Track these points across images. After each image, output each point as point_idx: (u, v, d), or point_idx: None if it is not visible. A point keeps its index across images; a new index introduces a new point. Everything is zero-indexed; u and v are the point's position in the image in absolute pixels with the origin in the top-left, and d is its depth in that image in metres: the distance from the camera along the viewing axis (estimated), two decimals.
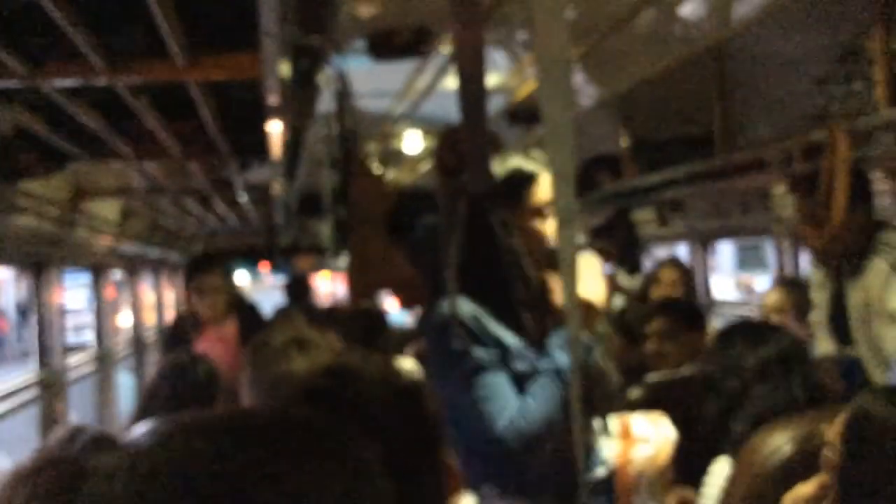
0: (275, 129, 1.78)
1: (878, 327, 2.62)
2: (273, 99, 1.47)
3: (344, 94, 2.20)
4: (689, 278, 4.21)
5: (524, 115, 4.24)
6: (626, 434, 2.07)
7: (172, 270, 7.00)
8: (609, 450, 1.98)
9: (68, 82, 1.62)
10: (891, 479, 1.40)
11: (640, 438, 2.06)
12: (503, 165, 1.96)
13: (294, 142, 2.19)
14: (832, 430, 1.49)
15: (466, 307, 1.84)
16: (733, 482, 1.94)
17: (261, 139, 2.04)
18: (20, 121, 1.85)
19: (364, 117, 4.88)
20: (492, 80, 3.89)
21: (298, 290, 6.41)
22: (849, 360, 2.80)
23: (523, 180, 1.94)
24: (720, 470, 2.00)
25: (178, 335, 3.73)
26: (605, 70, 3.81)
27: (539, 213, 1.93)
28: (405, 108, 4.85)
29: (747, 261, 7.46)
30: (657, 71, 3.62)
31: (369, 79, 4.58)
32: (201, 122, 1.89)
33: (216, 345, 3.59)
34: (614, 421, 2.04)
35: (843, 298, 2.77)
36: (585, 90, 4.41)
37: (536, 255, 1.90)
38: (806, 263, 4.10)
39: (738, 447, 1.92)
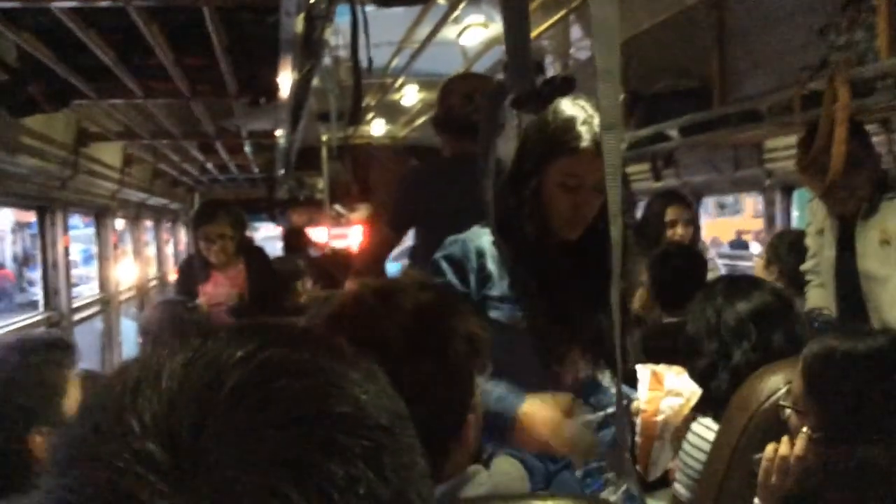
0: (286, 65, 1.80)
1: (893, 265, 2.67)
2: (288, 29, 1.48)
3: (356, 43, 2.19)
4: (694, 216, 4.12)
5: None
6: (657, 384, 2.10)
7: (174, 218, 7.04)
8: (634, 397, 2.02)
9: (75, 2, 1.58)
10: (860, 409, 1.42)
11: (671, 391, 2.09)
12: (556, 113, 1.81)
13: (301, 86, 2.21)
14: (796, 377, 1.53)
15: (477, 243, 1.86)
16: (725, 430, 1.98)
17: (270, 80, 2.05)
18: (26, 47, 1.83)
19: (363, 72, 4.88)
20: (496, 29, 3.89)
21: (295, 240, 6.53)
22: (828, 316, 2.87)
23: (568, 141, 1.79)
24: (701, 430, 2.04)
25: (186, 279, 3.83)
26: None
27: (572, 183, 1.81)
28: (402, 60, 4.85)
29: (726, 207, 7.58)
30: (655, 22, 3.63)
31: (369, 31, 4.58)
32: (212, 57, 1.91)
33: (221, 287, 3.67)
34: (644, 369, 2.07)
35: (850, 245, 2.82)
36: (582, 43, 4.42)
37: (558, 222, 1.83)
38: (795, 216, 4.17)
39: (719, 406, 1.96)
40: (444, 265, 1.87)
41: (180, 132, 3.42)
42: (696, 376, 2.05)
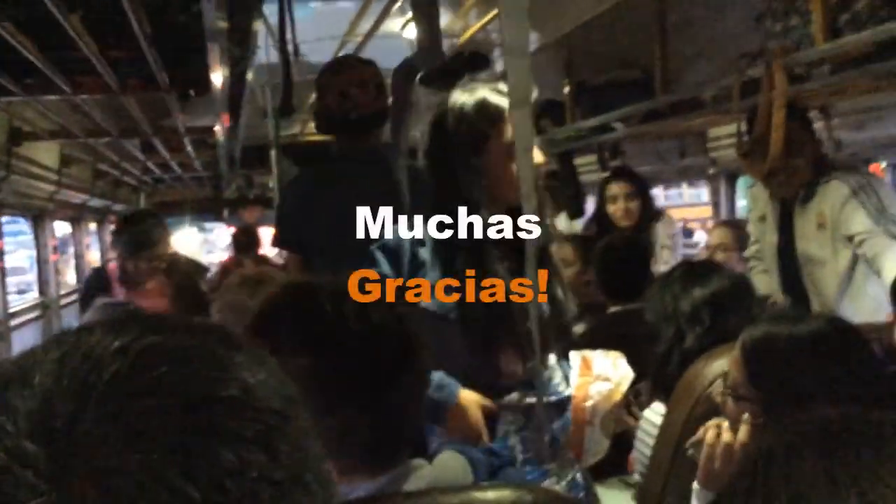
0: (214, 55, 1.76)
1: (830, 247, 2.73)
2: (211, 16, 1.45)
3: (283, 35, 2.15)
4: (640, 190, 4.05)
5: (463, 59, 4.24)
6: (586, 369, 2.12)
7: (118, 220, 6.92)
8: (565, 381, 2.02)
9: None
10: (802, 394, 1.41)
11: (600, 376, 2.11)
12: (471, 97, 1.84)
13: (236, 80, 2.17)
14: (732, 365, 1.54)
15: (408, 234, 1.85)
16: (671, 415, 2.00)
17: (199, 72, 2.01)
18: None
19: (308, 67, 4.84)
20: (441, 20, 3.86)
21: (245, 240, 6.44)
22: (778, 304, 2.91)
23: (492, 115, 1.82)
24: (652, 416, 2.06)
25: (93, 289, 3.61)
26: (546, 13, 3.82)
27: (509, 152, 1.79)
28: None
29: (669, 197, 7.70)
30: (597, 13, 3.65)
31: (313, 28, 4.53)
32: (139, 49, 1.86)
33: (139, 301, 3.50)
34: (575, 355, 2.08)
35: (790, 229, 2.86)
36: (531, 37, 4.42)
37: (502, 198, 1.82)
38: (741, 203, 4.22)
39: (670, 389, 1.97)
40: (379, 255, 1.86)
41: (117, 130, 3.35)
42: (654, 362, 2.06)
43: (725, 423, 1.51)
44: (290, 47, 2.23)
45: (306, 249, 2.66)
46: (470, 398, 1.77)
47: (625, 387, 2.09)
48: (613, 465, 2.33)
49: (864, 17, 2.46)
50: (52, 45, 1.87)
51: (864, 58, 2.44)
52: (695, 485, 1.51)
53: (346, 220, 2.03)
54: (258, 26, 1.88)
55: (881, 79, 2.63)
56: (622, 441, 2.25)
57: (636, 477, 2.13)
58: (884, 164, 3.94)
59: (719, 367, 1.77)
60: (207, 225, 9.03)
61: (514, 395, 1.89)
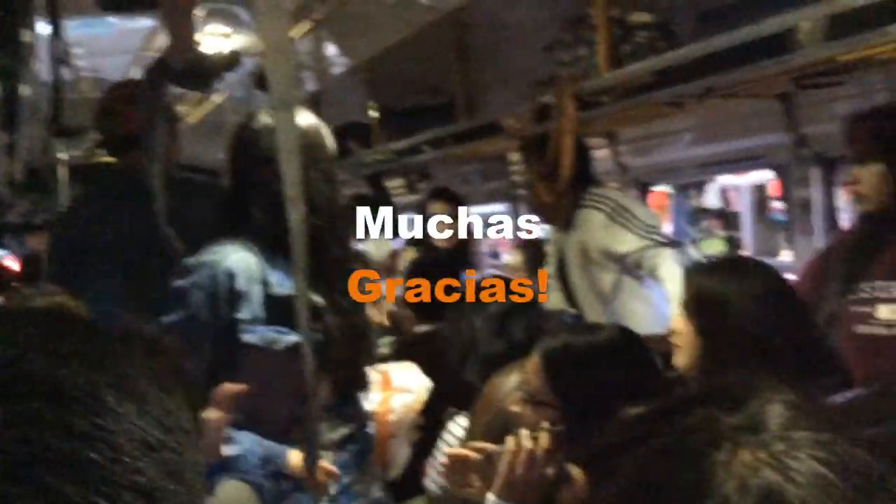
0: None
1: (594, 271, 2.87)
2: None
3: (55, 49, 2.01)
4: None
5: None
6: (386, 384, 2.12)
7: None
8: (368, 401, 2.00)
9: None
10: (602, 398, 1.50)
11: (400, 388, 2.12)
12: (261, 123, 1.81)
13: (9, 91, 2.00)
14: (530, 374, 1.60)
15: (225, 264, 1.75)
16: (471, 429, 2.03)
17: None
18: None
19: (104, 84, 4.58)
20: (238, 41, 3.78)
21: (31, 270, 5.96)
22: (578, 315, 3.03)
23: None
24: (455, 428, 2.09)
25: None
26: (351, 37, 3.83)
27: None
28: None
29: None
30: (400, 38, 3.69)
31: (110, 43, 4.31)
32: None
33: None
34: (373, 371, 2.07)
35: (564, 253, 3.01)
36: (338, 59, 4.41)
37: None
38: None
39: (470, 399, 2.01)
40: (195, 293, 1.74)
41: None
42: (450, 375, 2.13)
43: (525, 433, 1.53)
44: (60, 60, 2.08)
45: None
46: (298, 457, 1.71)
47: (424, 396, 2.13)
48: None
49: (645, 48, 2.63)
50: None
51: (646, 86, 2.60)
52: (489, 496, 1.52)
53: (130, 249, 1.90)
54: (29, 36, 1.74)
55: (662, 106, 2.81)
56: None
57: (427, 482, 2.15)
58: (668, 188, 4.21)
59: (515, 379, 1.82)
60: None
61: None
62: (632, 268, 2.80)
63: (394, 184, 5.21)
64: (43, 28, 2.46)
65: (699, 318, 1.66)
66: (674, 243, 2.75)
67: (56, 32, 1.96)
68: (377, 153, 4.41)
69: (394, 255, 4.65)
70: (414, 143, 4.00)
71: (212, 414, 1.42)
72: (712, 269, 1.87)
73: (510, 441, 1.52)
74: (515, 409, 1.67)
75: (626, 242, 2.77)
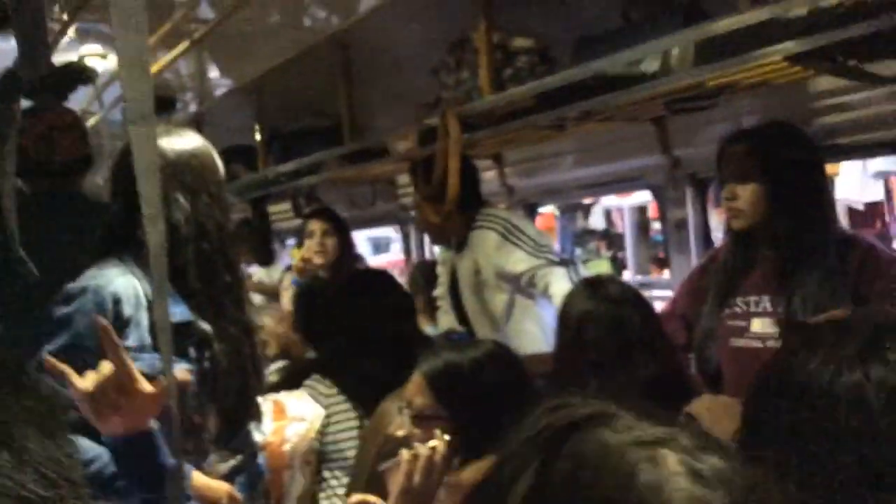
0: None
1: (487, 292, 2.89)
2: None
3: None
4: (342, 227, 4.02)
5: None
6: (279, 413, 2.08)
7: None
8: (261, 431, 1.95)
9: None
10: (483, 403, 1.60)
11: (294, 417, 2.09)
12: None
13: None
14: (413, 395, 1.65)
15: (111, 288, 1.66)
16: (361, 457, 2.03)
17: None
18: None
19: None
20: (114, 61, 3.66)
21: None
22: (463, 334, 3.04)
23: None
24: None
25: None
26: (234, 58, 3.77)
27: None
28: None
29: (380, 247, 7.96)
30: (283, 60, 3.65)
31: None
32: None
33: None
34: (265, 400, 2.02)
35: (456, 272, 3.02)
36: (220, 81, 4.32)
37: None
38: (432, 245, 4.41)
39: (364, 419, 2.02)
40: (79, 320, 1.64)
41: None
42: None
43: (419, 445, 1.55)
44: None
45: None
46: (201, 480, 1.67)
47: (318, 424, 2.11)
48: None
49: (525, 72, 2.69)
50: None
51: (528, 110, 2.65)
52: None
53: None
54: None
55: (544, 129, 2.87)
56: None
57: None
58: (553, 209, 4.31)
59: (395, 408, 1.83)
60: None
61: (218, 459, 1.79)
62: (525, 287, 2.83)
63: (280, 207, 5.13)
64: None
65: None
66: (565, 262, 2.80)
67: None
68: (262, 176, 4.34)
69: (283, 280, 4.57)
70: (300, 166, 3.95)
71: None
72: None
73: (405, 453, 1.54)
74: (401, 433, 1.68)
75: (520, 262, 2.80)
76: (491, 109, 2.74)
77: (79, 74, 1.67)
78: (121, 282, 1.68)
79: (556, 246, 3.76)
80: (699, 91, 2.32)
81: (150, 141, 1.07)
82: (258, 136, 4.43)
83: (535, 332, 2.86)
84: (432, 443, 1.53)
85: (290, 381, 2.72)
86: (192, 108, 4.63)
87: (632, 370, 1.90)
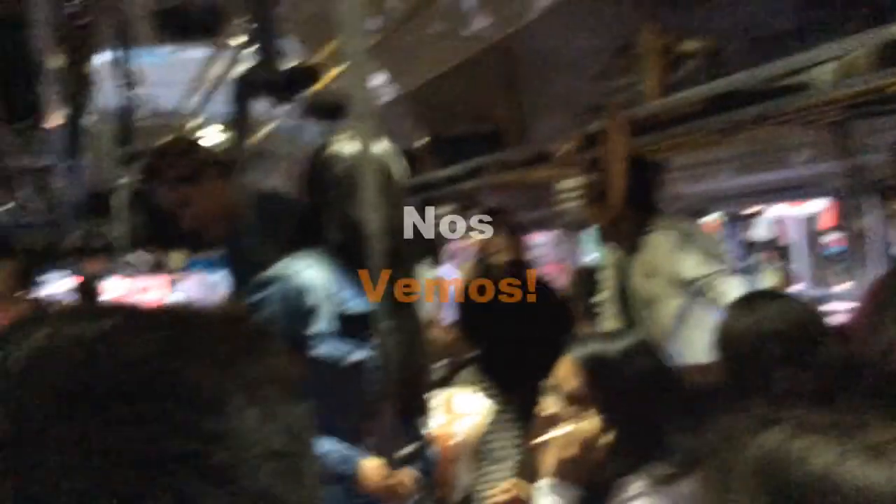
0: (47, 87, 1.68)
1: (657, 298, 2.84)
2: (41, 39, 1.38)
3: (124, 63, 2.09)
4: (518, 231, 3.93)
5: (320, 108, 4.24)
6: (449, 408, 2.15)
7: None
8: (429, 424, 2.03)
9: None
10: (629, 389, 1.58)
11: (463, 413, 2.14)
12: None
13: (74, 116, 2.07)
14: (563, 377, 1.65)
15: (297, 280, 1.78)
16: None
17: (34, 105, 1.91)
18: None
19: (159, 113, 4.71)
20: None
21: (86, 293, 6.12)
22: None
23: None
24: None
25: None
26: (401, 65, 3.89)
27: None
28: (197, 101, 4.74)
29: None
30: (449, 67, 3.74)
31: (164, 73, 4.43)
32: None
33: None
34: (436, 395, 2.10)
35: (626, 276, 2.98)
36: (386, 89, 4.48)
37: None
38: (586, 252, 4.38)
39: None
40: (269, 307, 1.78)
41: None
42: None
43: (569, 423, 1.58)
44: (129, 88, 2.16)
45: None
46: (372, 465, 1.78)
47: (486, 420, 2.14)
48: None
49: (694, 76, 2.64)
50: None
51: (695, 114, 2.60)
52: (542, 481, 1.56)
53: None
54: (93, 65, 1.81)
55: (713, 134, 2.80)
56: None
57: None
58: (717, 217, 4.18)
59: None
60: (45, 276, 8.50)
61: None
62: (697, 295, 2.76)
63: (441, 211, 5.24)
64: (104, 57, 2.55)
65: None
66: (739, 272, 2.71)
67: (125, 62, 2.04)
68: (424, 180, 4.45)
69: (439, 281, 4.67)
70: (460, 171, 4.03)
71: None
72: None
73: (557, 429, 1.57)
74: (551, 411, 1.71)
75: (694, 268, 2.73)
76: (657, 114, 2.71)
77: (308, 76, 1.80)
78: (308, 273, 1.79)
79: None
80: (881, 95, 2.20)
81: (370, 136, 1.16)
82: (420, 141, 4.54)
83: (705, 342, 2.77)
84: (584, 422, 1.56)
85: (450, 379, 2.79)
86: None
87: (805, 386, 1.81)
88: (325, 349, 1.79)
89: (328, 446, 1.75)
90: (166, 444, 0.41)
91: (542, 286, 2.73)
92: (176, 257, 7.46)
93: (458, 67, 3.81)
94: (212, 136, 5.34)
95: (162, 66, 4.24)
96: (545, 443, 1.59)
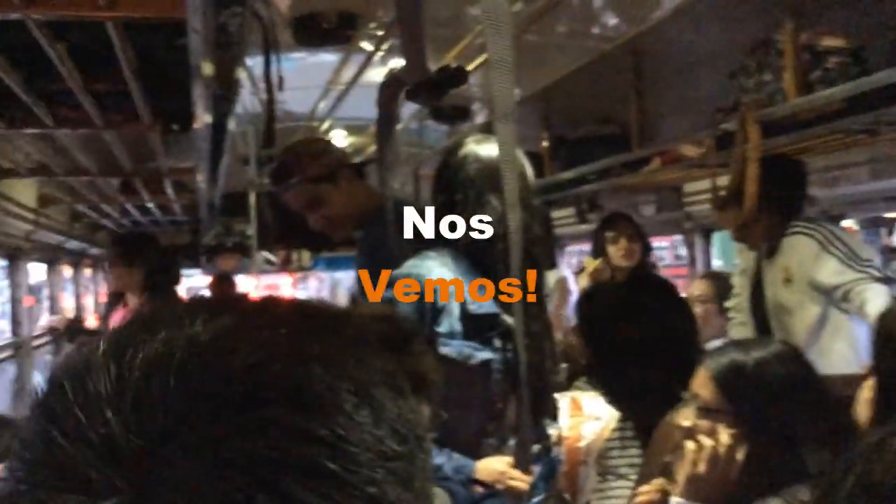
0: (198, 91, 1.77)
1: (796, 303, 2.74)
2: (197, 50, 1.47)
3: (269, 65, 2.19)
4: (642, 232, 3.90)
5: (443, 110, 4.30)
6: (576, 410, 2.15)
7: (93, 264, 6.88)
8: (556, 425, 2.04)
9: None
10: (765, 401, 1.54)
11: (591, 415, 2.14)
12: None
13: (219, 119, 2.18)
14: (699, 388, 1.62)
15: (429, 277, 1.83)
16: (650, 464, 2.03)
17: (182, 107, 2.02)
18: None
19: (288, 116, 4.88)
20: None
21: (222, 288, 6.41)
22: None
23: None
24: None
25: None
26: (526, 67, 3.90)
27: None
28: (328, 106, 4.88)
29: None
30: (574, 68, 3.72)
31: (294, 77, 4.59)
32: (123, 83, 1.87)
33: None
34: (563, 396, 2.10)
35: (761, 280, 2.89)
36: None
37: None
38: (715, 257, 4.27)
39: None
40: (402, 304, 1.83)
41: (96, 169, 3.35)
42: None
43: (703, 437, 1.54)
44: (273, 87, 2.25)
45: None
46: (490, 461, 1.83)
47: (612, 425, 2.12)
48: None
49: (835, 74, 2.53)
50: (33, 73, 1.87)
51: (835, 114, 2.50)
52: (673, 499, 1.53)
53: None
54: (241, 70, 1.90)
55: (852, 135, 2.69)
56: None
57: None
58: (854, 223, 4.00)
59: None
60: (185, 272, 8.95)
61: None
62: (839, 301, 2.65)
63: (560, 213, 5.22)
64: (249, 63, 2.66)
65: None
66: (889, 279, 2.59)
67: (270, 65, 2.13)
68: (547, 182, 4.44)
69: (561, 283, 4.66)
70: (585, 172, 4.00)
71: None
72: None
73: (690, 444, 1.54)
74: (686, 423, 1.68)
75: (837, 273, 2.62)
76: (794, 114, 2.62)
77: (457, 77, 1.84)
78: (437, 273, 1.82)
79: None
80: None
81: (512, 137, 1.18)
82: (544, 143, 4.53)
83: (845, 351, 2.65)
84: (720, 437, 1.52)
85: (569, 383, 2.77)
86: (480, 118, 4.86)
87: None
88: (451, 348, 1.82)
89: (440, 459, 1.78)
90: (279, 450, 0.41)
91: (668, 292, 2.67)
92: (302, 256, 7.71)
93: (584, 68, 3.79)
94: (339, 139, 5.50)
95: (292, 71, 4.39)
96: (675, 458, 1.56)
